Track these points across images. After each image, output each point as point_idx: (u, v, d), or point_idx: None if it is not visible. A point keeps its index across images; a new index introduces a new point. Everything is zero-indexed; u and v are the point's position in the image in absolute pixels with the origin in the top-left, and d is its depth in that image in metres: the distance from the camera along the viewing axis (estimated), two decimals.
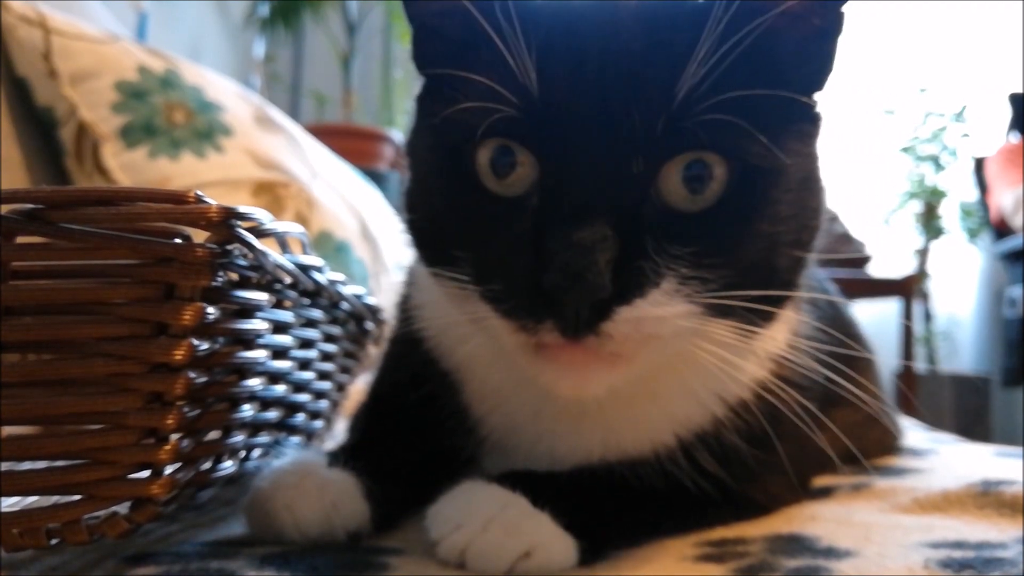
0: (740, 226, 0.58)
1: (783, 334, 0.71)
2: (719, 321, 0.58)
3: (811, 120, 0.64)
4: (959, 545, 0.64)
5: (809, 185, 0.62)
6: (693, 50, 0.56)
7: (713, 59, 0.56)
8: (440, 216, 0.63)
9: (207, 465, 0.61)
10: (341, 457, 0.67)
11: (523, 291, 0.56)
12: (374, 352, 1.00)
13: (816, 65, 0.63)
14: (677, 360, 0.63)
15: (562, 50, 0.58)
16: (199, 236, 0.53)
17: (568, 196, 0.56)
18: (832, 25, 0.62)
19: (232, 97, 1.75)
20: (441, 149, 0.63)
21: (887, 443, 1.05)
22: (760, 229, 0.59)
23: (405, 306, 0.79)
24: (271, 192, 1.63)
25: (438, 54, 0.64)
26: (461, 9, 0.60)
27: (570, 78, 0.57)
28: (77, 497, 0.53)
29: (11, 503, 0.57)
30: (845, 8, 0.62)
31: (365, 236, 1.83)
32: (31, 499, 0.57)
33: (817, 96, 0.64)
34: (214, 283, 0.54)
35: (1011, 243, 3.60)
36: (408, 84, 3.90)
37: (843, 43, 0.63)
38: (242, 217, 0.54)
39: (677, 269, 0.56)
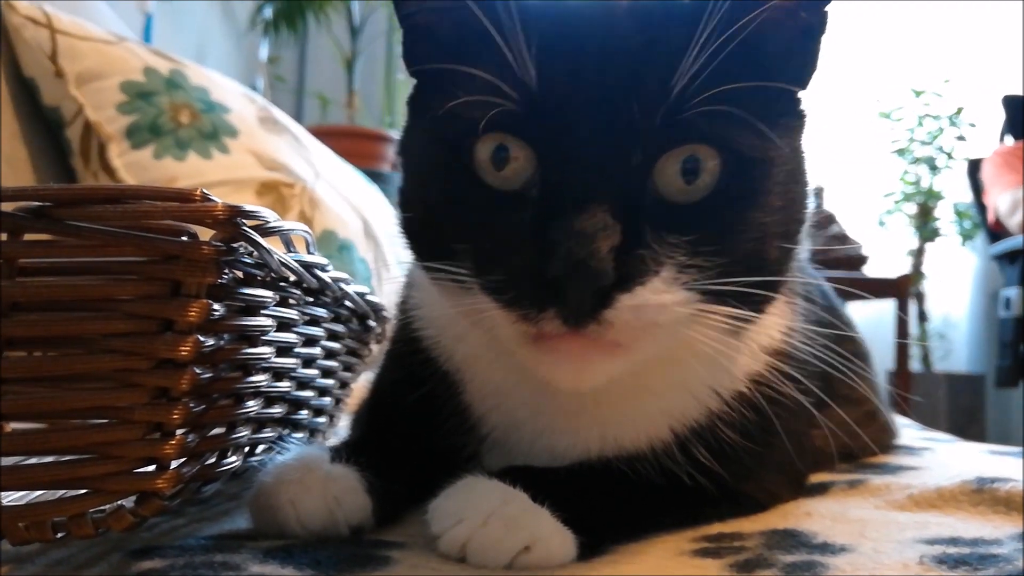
0: (733, 215, 0.60)
1: (777, 329, 0.71)
2: (715, 308, 0.60)
3: (797, 116, 0.66)
4: (954, 541, 0.64)
5: (796, 178, 0.65)
6: (688, 45, 0.57)
7: (707, 54, 0.57)
8: (437, 210, 0.64)
9: (212, 460, 0.61)
10: (344, 452, 0.67)
11: (526, 280, 0.57)
12: (377, 350, 1.01)
13: (801, 63, 0.65)
14: (673, 352, 0.64)
15: (560, 46, 0.60)
16: (205, 234, 0.54)
17: (568, 187, 0.57)
18: (817, 23, 0.64)
19: (237, 98, 1.76)
20: (438, 144, 0.64)
21: (882, 441, 1.06)
22: (752, 218, 0.61)
23: (405, 306, 0.80)
24: (275, 192, 1.64)
25: (433, 51, 0.65)
26: (459, 6, 0.61)
27: (568, 73, 0.59)
28: (83, 491, 0.53)
29: (17, 497, 0.58)
30: (829, 7, 0.64)
31: (368, 236, 1.84)
32: (37, 493, 0.58)
33: (801, 94, 0.66)
34: (220, 280, 0.55)
35: (1006, 244, 3.60)
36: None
37: (830, 43, 0.66)
38: (247, 215, 0.55)
39: (675, 257, 0.58)
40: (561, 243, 0.55)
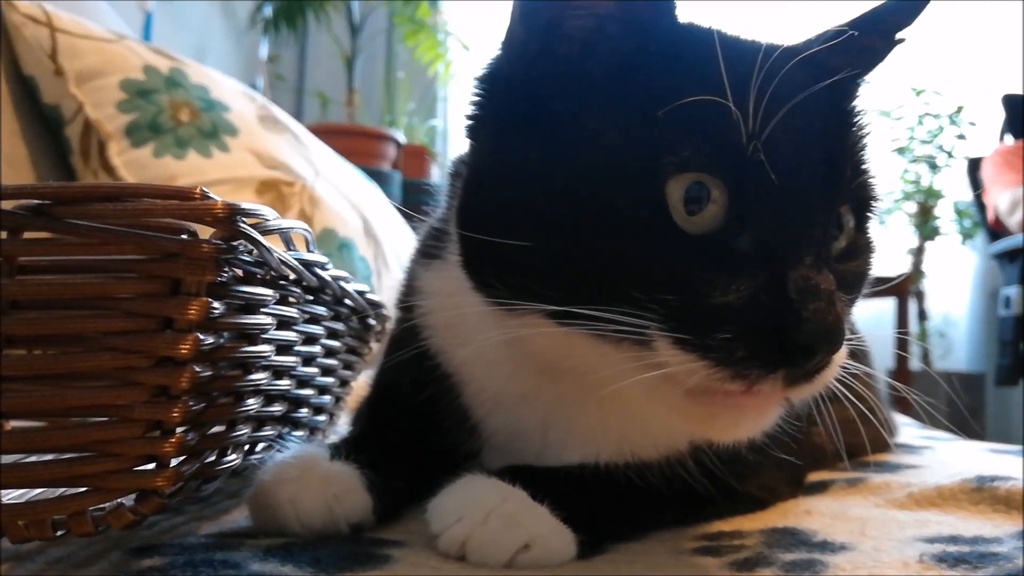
0: (862, 270, 0.64)
1: None
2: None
3: None
4: (954, 540, 0.64)
5: None
6: (854, 111, 0.64)
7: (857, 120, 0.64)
8: (606, 253, 0.56)
9: (212, 458, 0.61)
10: (343, 450, 0.67)
11: (761, 341, 0.52)
12: (376, 348, 1.01)
13: None
14: None
15: (759, 93, 0.55)
16: (205, 232, 0.54)
17: (788, 242, 0.55)
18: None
19: (237, 96, 1.76)
20: (623, 176, 0.56)
21: (882, 440, 1.06)
22: (870, 271, 0.65)
23: (406, 306, 0.80)
24: (275, 190, 1.64)
25: (597, 68, 0.59)
26: (629, 29, 0.59)
27: (773, 121, 0.55)
28: (83, 489, 0.53)
29: (17, 495, 0.58)
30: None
31: (368, 234, 1.84)
32: (36, 491, 0.58)
33: None
34: (219, 279, 0.55)
35: (1006, 243, 3.60)
36: (410, 85, 3.91)
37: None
38: (247, 214, 0.55)
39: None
40: (804, 304, 0.52)
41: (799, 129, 0.56)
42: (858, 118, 0.64)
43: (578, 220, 0.56)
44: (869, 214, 0.64)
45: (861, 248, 0.63)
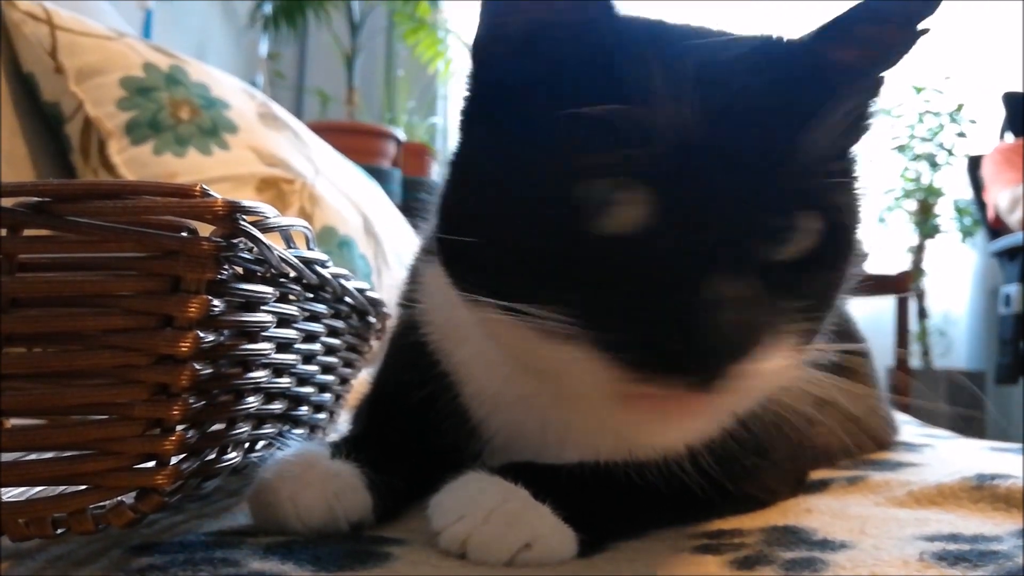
0: (829, 278, 0.60)
1: None
2: (813, 373, 0.59)
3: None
4: (954, 538, 0.64)
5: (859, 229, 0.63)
6: (814, 110, 0.56)
7: (827, 120, 0.57)
8: (525, 250, 0.57)
9: (212, 456, 0.61)
10: (344, 448, 0.67)
11: (662, 344, 0.52)
12: (377, 346, 1.01)
13: (862, 124, 0.64)
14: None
15: (693, 92, 0.55)
16: (205, 230, 0.54)
17: (706, 246, 0.53)
18: (878, 87, 0.65)
19: (237, 94, 1.76)
20: (538, 180, 0.57)
21: (882, 438, 1.06)
22: (839, 281, 0.61)
23: (408, 303, 0.80)
24: (275, 188, 1.64)
25: (534, 68, 0.59)
26: (566, 33, 0.58)
27: (704, 121, 0.54)
28: (83, 487, 0.53)
29: (17, 493, 0.58)
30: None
31: (368, 232, 1.84)
32: (36, 489, 0.58)
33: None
34: (219, 276, 0.55)
35: (1006, 241, 3.60)
36: (410, 83, 3.92)
37: None
38: (247, 211, 0.55)
39: (785, 323, 0.56)
40: (708, 309, 0.51)
41: (735, 131, 0.55)
42: (843, 117, 0.59)
43: (509, 220, 0.58)
44: (845, 221, 0.60)
45: (827, 257, 0.59)
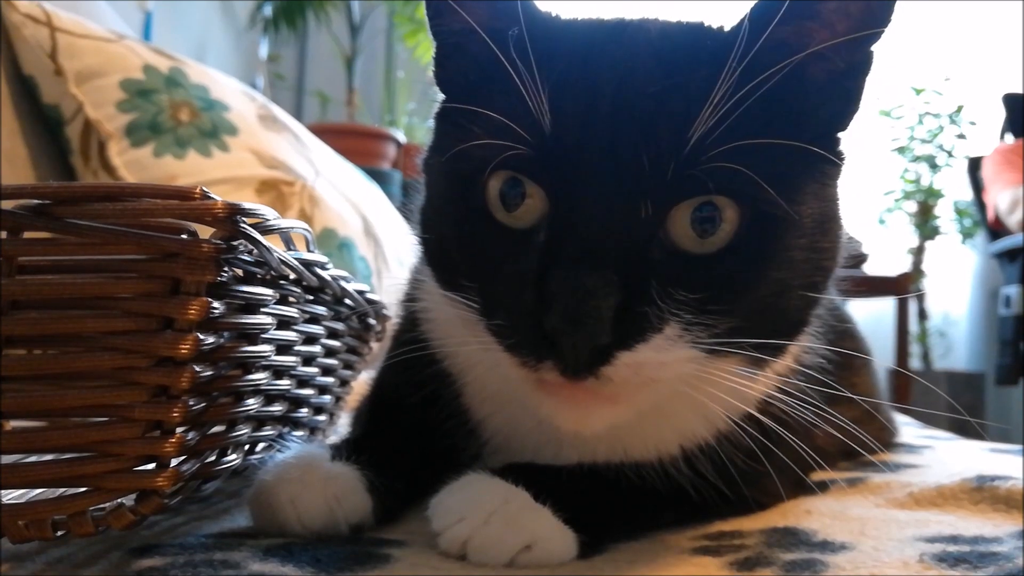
0: (749, 272, 0.58)
1: (791, 354, 0.70)
2: (720, 364, 0.59)
3: (832, 161, 0.62)
4: (954, 539, 0.64)
5: (825, 227, 0.61)
6: (709, 93, 0.55)
7: (728, 104, 0.55)
8: (450, 243, 0.64)
9: (212, 458, 0.61)
10: (344, 451, 0.67)
11: (525, 329, 0.56)
12: (377, 348, 1.01)
13: (840, 105, 0.62)
14: (684, 387, 0.61)
15: (577, 87, 0.58)
16: (205, 232, 0.54)
17: (575, 237, 0.56)
18: (860, 63, 0.61)
19: (237, 96, 1.76)
20: (453, 177, 0.63)
21: (882, 439, 1.06)
22: (770, 275, 0.58)
23: (409, 307, 0.80)
24: (275, 190, 1.64)
25: (456, 76, 0.66)
26: (478, 38, 0.61)
27: (583, 117, 0.57)
28: (83, 489, 0.53)
29: (17, 495, 0.58)
30: (875, 46, 0.60)
31: (368, 234, 1.84)
32: (37, 491, 0.58)
33: (841, 134, 0.63)
34: (219, 278, 0.55)
35: (1006, 242, 3.60)
36: (410, 84, 3.92)
37: (870, 81, 0.61)
38: (247, 213, 0.55)
39: (681, 314, 0.56)
40: (561, 297, 0.54)
41: (617, 126, 0.56)
42: (771, 99, 0.56)
43: (445, 215, 0.65)
44: (772, 212, 0.57)
45: (745, 249, 0.57)
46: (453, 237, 0.63)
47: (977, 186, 3.98)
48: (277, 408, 0.72)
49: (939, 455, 1.06)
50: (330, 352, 0.85)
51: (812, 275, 0.60)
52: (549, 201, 0.58)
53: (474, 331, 0.61)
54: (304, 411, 0.81)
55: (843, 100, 0.62)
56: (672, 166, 0.55)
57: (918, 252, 4.30)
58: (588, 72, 0.59)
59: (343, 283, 0.79)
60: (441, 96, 0.69)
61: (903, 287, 3.23)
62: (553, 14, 0.65)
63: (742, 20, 0.59)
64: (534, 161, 0.58)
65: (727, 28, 0.61)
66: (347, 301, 0.84)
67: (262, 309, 0.63)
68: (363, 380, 0.98)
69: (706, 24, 0.63)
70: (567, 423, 0.62)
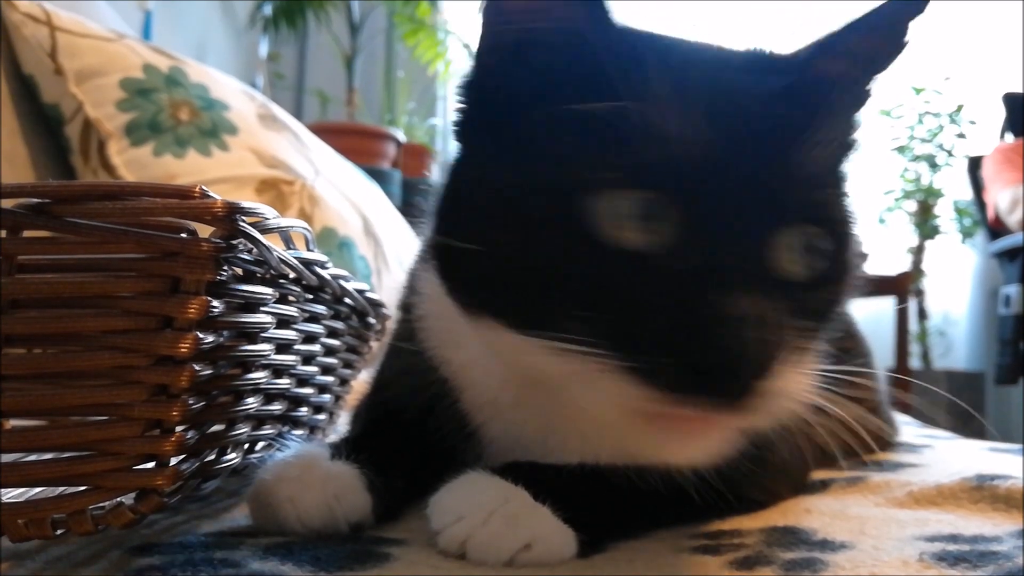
0: (838, 297, 0.60)
1: None
2: (828, 397, 0.59)
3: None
4: (954, 539, 0.64)
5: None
6: (812, 120, 0.57)
7: (823, 130, 0.57)
8: (544, 269, 0.55)
9: (211, 457, 0.61)
10: (343, 449, 0.67)
11: (684, 363, 0.51)
12: (377, 347, 1.01)
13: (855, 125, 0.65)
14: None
15: (700, 107, 0.55)
16: (204, 231, 0.54)
17: (721, 261, 0.53)
18: (866, 96, 0.66)
19: (237, 95, 1.76)
20: (552, 192, 0.55)
21: (882, 439, 1.06)
22: (844, 294, 0.61)
23: (406, 311, 0.80)
24: (275, 189, 1.64)
25: (533, 75, 0.59)
26: (573, 41, 0.57)
27: (716, 139, 0.54)
28: (83, 488, 0.53)
29: (16, 493, 0.58)
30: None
31: (368, 233, 1.84)
32: (36, 490, 0.58)
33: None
34: (219, 277, 0.55)
35: (1006, 242, 3.60)
36: (410, 84, 3.92)
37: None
38: (247, 212, 0.55)
39: (799, 342, 0.55)
40: (733, 328, 0.50)
41: (746, 144, 0.55)
42: (836, 130, 0.60)
43: (516, 232, 0.56)
44: (846, 235, 0.60)
45: (832, 273, 0.59)
46: (549, 261, 0.55)
47: (977, 185, 3.98)
48: (277, 407, 0.72)
49: (939, 454, 1.06)
50: (330, 351, 0.85)
51: (851, 293, 0.64)
52: (685, 224, 0.53)
53: (550, 361, 0.55)
54: (304, 410, 0.81)
55: (851, 133, 0.65)
56: (793, 193, 0.56)
57: (918, 251, 4.30)
58: (706, 87, 0.56)
59: (343, 282, 0.79)
60: (471, 103, 0.64)
61: (903, 287, 3.23)
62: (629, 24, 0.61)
63: (809, 49, 0.61)
64: (667, 175, 0.54)
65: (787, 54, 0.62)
66: (347, 300, 0.84)
67: (262, 308, 0.63)
68: (363, 379, 0.98)
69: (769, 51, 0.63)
70: (678, 456, 0.60)
